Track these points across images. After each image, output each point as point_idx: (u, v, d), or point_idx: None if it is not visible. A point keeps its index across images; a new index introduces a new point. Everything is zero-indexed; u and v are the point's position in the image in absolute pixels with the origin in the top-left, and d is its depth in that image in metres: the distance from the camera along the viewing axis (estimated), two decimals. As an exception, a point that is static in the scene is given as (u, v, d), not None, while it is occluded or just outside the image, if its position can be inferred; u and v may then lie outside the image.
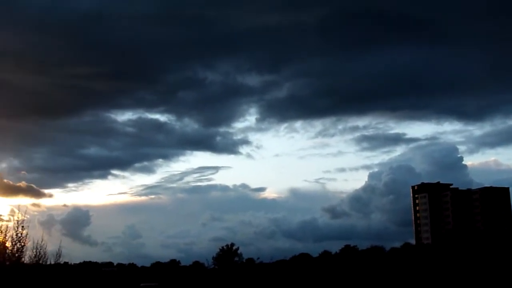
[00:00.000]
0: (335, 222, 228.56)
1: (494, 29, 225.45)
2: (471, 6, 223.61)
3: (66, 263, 59.81)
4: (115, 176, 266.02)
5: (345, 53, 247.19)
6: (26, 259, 35.79)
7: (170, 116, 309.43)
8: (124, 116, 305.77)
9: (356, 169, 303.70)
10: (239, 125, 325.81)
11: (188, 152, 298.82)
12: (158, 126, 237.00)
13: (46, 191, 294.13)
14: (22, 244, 34.77)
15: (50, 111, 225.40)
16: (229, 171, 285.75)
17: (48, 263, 39.85)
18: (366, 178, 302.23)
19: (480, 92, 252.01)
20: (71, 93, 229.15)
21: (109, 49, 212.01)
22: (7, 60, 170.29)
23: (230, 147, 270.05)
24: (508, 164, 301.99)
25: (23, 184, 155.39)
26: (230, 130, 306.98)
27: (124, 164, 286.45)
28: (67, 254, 54.96)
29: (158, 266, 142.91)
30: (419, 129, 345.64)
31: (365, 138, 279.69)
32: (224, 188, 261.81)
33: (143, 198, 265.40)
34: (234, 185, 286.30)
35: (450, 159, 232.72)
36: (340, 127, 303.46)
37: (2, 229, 34.80)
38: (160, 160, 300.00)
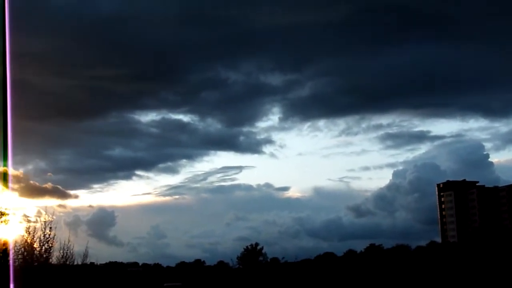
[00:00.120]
0: (359, 220, 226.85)
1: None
2: (495, 1, 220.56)
3: (92, 263, 60.21)
4: (140, 176, 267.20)
5: (368, 50, 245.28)
6: (53, 259, 36.21)
7: (193, 116, 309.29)
8: (148, 117, 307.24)
9: (380, 167, 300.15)
10: (262, 124, 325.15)
11: (212, 152, 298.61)
12: (181, 126, 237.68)
13: (71, 192, 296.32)
14: (50, 245, 35.20)
15: (75, 113, 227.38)
16: (253, 170, 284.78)
17: (75, 263, 40.25)
18: (390, 177, 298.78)
19: (506, 88, 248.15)
20: (95, 94, 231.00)
21: (132, 51, 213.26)
22: (31, 62, 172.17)
23: (253, 146, 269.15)
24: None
25: (49, 185, 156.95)
26: (253, 130, 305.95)
27: (148, 164, 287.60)
28: (93, 255, 55.27)
29: (183, 266, 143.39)
30: (444, 127, 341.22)
31: (389, 136, 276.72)
32: (248, 188, 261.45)
33: (167, 198, 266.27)
34: (258, 185, 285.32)
35: (476, 156, 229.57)
36: (363, 125, 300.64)
37: (30, 230, 35.33)
38: (184, 160, 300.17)
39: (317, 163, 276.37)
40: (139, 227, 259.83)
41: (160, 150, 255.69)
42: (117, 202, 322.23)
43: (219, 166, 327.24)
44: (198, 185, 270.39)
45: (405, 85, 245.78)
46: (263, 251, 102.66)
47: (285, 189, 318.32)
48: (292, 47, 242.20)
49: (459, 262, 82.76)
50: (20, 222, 40.49)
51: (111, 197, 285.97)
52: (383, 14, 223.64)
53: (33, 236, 35.52)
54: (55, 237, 35.79)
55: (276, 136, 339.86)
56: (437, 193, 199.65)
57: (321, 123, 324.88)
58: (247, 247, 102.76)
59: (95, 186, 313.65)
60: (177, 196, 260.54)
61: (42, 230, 35.75)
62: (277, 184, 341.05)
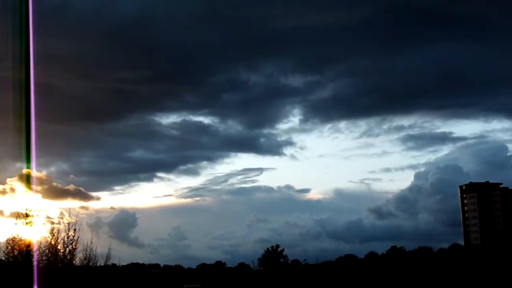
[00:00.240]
0: (381, 222, 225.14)
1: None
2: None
3: (114, 264, 60.61)
4: (161, 178, 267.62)
5: (389, 51, 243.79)
6: (77, 261, 36.51)
7: (214, 118, 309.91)
8: (169, 119, 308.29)
9: (402, 169, 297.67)
10: (282, 126, 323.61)
11: (233, 154, 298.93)
12: (202, 128, 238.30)
13: (93, 194, 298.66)
14: (74, 246, 35.50)
15: (96, 115, 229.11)
16: (274, 172, 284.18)
17: (98, 265, 40.53)
18: (412, 178, 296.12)
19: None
20: (117, 97, 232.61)
21: (153, 53, 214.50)
22: (54, 65, 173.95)
23: (274, 148, 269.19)
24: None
25: (71, 187, 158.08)
26: (274, 132, 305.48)
27: (169, 166, 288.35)
28: (115, 256, 55.65)
29: (203, 267, 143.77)
30: (467, 128, 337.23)
31: (410, 138, 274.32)
32: (269, 190, 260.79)
33: (188, 200, 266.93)
34: (279, 187, 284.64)
35: (499, 157, 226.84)
36: (385, 126, 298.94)
37: (53, 232, 35.66)
38: (205, 162, 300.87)
39: (338, 164, 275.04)
40: (160, 229, 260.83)
41: (181, 152, 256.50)
42: (139, 203, 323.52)
43: (239, 168, 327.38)
44: (219, 187, 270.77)
45: (426, 85, 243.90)
46: (284, 253, 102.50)
47: (306, 191, 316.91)
48: (312, 49, 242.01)
49: (483, 265, 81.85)
50: (43, 224, 40.91)
51: (132, 199, 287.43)
52: (404, 14, 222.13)
53: (57, 237, 35.85)
54: (79, 238, 36.12)
55: (296, 137, 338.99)
56: (459, 195, 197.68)
57: (342, 124, 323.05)
58: (268, 249, 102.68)
59: (117, 188, 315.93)
60: (198, 198, 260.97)
61: (65, 231, 36.11)
62: (298, 186, 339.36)
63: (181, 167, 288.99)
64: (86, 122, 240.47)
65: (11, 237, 36.28)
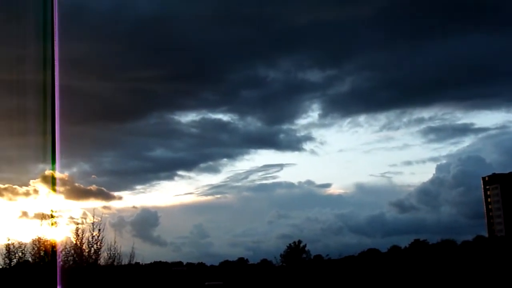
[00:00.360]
0: (403, 216, 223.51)
1: None
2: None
3: (137, 263, 61.07)
4: (181, 177, 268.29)
5: (407, 43, 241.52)
6: (102, 260, 36.78)
7: (233, 115, 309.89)
8: (188, 117, 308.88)
9: (423, 161, 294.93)
10: (302, 121, 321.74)
11: (252, 150, 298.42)
12: (221, 126, 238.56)
13: (115, 193, 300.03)
14: (98, 246, 35.76)
15: (116, 115, 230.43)
16: (294, 168, 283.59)
17: (122, 263, 40.79)
18: (433, 171, 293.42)
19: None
20: (136, 96, 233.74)
21: (171, 52, 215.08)
22: (74, 66, 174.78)
23: (294, 144, 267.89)
24: None
25: (93, 187, 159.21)
26: (293, 127, 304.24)
27: (189, 164, 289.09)
28: (139, 255, 55.99)
29: (226, 264, 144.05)
30: (488, 118, 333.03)
31: (431, 130, 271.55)
32: (289, 185, 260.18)
33: (209, 197, 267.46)
34: (299, 182, 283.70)
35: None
36: (405, 119, 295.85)
37: (78, 232, 35.96)
38: (225, 159, 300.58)
39: (358, 159, 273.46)
40: (182, 227, 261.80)
41: (200, 150, 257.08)
42: (160, 202, 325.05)
43: (260, 165, 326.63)
44: (239, 183, 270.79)
45: (446, 77, 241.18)
46: (306, 248, 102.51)
47: (327, 185, 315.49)
48: (330, 43, 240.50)
49: (507, 257, 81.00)
50: (67, 224, 41.28)
51: (154, 198, 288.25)
52: (422, 6, 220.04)
53: (82, 238, 36.12)
54: (103, 238, 36.35)
55: (316, 133, 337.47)
56: (482, 186, 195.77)
57: (362, 118, 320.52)
58: (290, 244, 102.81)
59: (138, 187, 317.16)
60: (218, 195, 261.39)
61: (90, 231, 36.39)
62: (319, 181, 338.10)
63: (201, 165, 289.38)
64: (106, 123, 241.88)
65: (37, 238, 36.73)
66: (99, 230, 36.00)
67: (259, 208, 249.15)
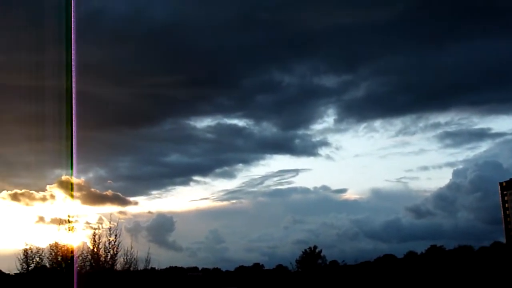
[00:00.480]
0: (419, 221, 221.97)
1: None
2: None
3: (153, 268, 61.20)
4: (197, 182, 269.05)
5: (423, 48, 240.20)
6: (118, 266, 36.89)
7: (248, 120, 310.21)
8: (203, 123, 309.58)
9: (440, 166, 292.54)
10: (317, 126, 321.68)
11: (268, 156, 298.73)
12: (237, 131, 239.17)
13: (131, 199, 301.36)
14: (115, 251, 35.86)
15: (132, 121, 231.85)
16: (309, 173, 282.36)
17: (138, 269, 40.93)
18: (450, 176, 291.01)
19: None
20: (151, 102, 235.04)
21: (186, 57, 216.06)
22: (90, 72, 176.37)
23: (309, 149, 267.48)
24: None
25: (109, 192, 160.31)
26: (309, 132, 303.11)
27: (205, 170, 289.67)
28: (155, 260, 56.09)
29: (242, 270, 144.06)
30: (505, 123, 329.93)
31: (448, 135, 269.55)
32: (305, 191, 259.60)
33: (225, 203, 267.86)
34: (315, 187, 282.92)
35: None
36: (421, 124, 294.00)
37: (95, 237, 36.11)
38: (240, 164, 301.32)
39: (374, 164, 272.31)
40: (197, 232, 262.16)
41: (216, 155, 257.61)
42: (176, 207, 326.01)
43: (275, 170, 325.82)
44: (255, 189, 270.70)
45: (463, 81, 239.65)
46: (322, 254, 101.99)
47: (342, 191, 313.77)
48: (345, 48, 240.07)
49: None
50: (83, 229, 41.52)
51: (169, 203, 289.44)
52: (438, 10, 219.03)
53: (98, 243, 36.28)
54: (120, 243, 36.47)
55: (331, 138, 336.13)
56: (500, 191, 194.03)
57: (377, 123, 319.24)
58: (305, 250, 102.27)
59: (154, 192, 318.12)
60: (234, 201, 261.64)
61: (107, 237, 36.53)
62: (334, 186, 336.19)
63: (217, 170, 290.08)
64: (122, 128, 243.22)
65: (54, 243, 36.95)
66: (116, 235, 36.19)
67: (275, 213, 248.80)
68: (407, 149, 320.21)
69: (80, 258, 35.94)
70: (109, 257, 36.05)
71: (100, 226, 39.10)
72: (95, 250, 36.27)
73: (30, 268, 45.68)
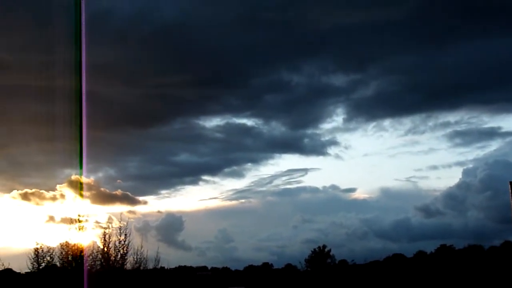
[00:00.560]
0: (429, 221, 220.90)
1: None
2: None
3: (162, 267, 61.38)
4: (206, 181, 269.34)
5: (433, 47, 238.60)
6: (128, 265, 37.07)
7: (257, 120, 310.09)
8: (212, 122, 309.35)
9: (449, 166, 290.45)
10: (326, 126, 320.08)
11: (277, 155, 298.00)
12: (245, 130, 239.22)
13: (140, 198, 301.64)
14: (125, 251, 36.03)
15: (141, 120, 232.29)
16: (318, 172, 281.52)
17: (148, 268, 41.07)
18: (460, 175, 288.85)
19: None
20: (160, 102, 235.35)
21: (195, 57, 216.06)
22: (98, 72, 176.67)
23: (318, 148, 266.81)
24: None
25: (119, 192, 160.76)
26: (318, 132, 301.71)
27: (214, 169, 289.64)
28: (164, 259, 56.28)
29: (251, 269, 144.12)
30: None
31: (457, 134, 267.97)
32: (314, 190, 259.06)
33: (234, 202, 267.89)
34: (324, 187, 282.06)
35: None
36: (430, 123, 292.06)
37: (105, 237, 36.30)
38: (249, 164, 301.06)
39: (384, 163, 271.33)
40: (206, 232, 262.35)
41: (225, 155, 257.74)
42: (185, 207, 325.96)
43: (284, 169, 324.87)
44: (264, 188, 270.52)
45: (472, 80, 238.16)
46: (331, 253, 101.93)
47: (352, 190, 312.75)
48: (354, 47, 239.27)
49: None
50: (93, 229, 41.71)
51: (178, 202, 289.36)
52: (448, 9, 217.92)
53: (109, 242, 36.44)
54: (130, 243, 36.61)
55: (340, 137, 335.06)
56: (510, 191, 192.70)
57: (386, 122, 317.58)
58: (314, 249, 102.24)
59: (163, 192, 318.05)
60: (243, 200, 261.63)
61: (117, 236, 36.70)
62: (343, 186, 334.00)
63: (226, 170, 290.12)
64: (131, 128, 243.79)
65: (64, 242, 37.20)
66: (125, 235, 36.40)
67: (284, 212, 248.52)
68: (416, 148, 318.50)
69: (90, 257, 36.23)
70: (119, 256, 36.25)
71: (110, 225, 39.48)
72: (106, 249, 36.48)
73: (41, 267, 46.03)
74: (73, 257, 36.44)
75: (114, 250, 36.18)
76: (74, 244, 37.12)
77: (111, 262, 36.38)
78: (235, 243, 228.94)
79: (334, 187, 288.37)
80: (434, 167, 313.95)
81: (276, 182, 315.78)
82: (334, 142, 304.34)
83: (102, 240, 37.35)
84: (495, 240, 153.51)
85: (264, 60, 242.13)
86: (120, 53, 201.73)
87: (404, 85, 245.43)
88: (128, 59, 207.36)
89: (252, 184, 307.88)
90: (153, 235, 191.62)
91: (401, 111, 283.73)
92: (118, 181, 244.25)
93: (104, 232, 37.50)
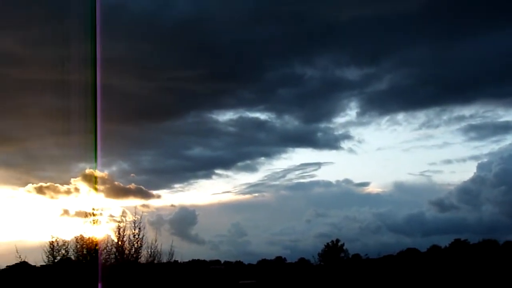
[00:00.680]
0: (443, 215, 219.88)
1: None
2: None
3: (176, 261, 61.70)
4: (219, 175, 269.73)
5: (447, 39, 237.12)
6: (142, 259, 37.28)
7: (270, 114, 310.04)
8: (226, 116, 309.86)
9: (464, 160, 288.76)
10: (340, 120, 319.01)
11: (290, 149, 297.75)
12: (259, 124, 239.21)
13: (154, 192, 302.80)
14: (139, 244, 36.22)
15: (155, 114, 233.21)
16: (332, 166, 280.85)
17: (161, 262, 41.28)
18: (474, 169, 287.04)
19: None
20: (174, 96, 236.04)
21: (208, 51, 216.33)
22: (113, 66, 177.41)
23: (331, 142, 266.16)
24: None
25: (132, 186, 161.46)
26: (331, 126, 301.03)
27: (227, 163, 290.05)
28: (177, 253, 56.46)
29: (264, 263, 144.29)
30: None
31: (472, 128, 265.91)
32: (327, 184, 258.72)
33: (247, 196, 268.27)
34: (337, 181, 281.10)
35: None
36: (444, 117, 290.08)
37: (119, 230, 36.49)
38: (262, 158, 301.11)
39: (397, 157, 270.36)
40: (220, 225, 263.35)
41: (238, 149, 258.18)
42: (198, 201, 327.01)
43: (297, 163, 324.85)
44: (277, 182, 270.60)
45: (488, 74, 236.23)
46: (344, 247, 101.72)
47: (365, 184, 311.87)
48: (368, 40, 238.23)
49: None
50: (107, 222, 41.93)
51: (192, 196, 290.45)
52: (462, 1, 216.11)
53: (123, 236, 36.64)
54: (144, 237, 36.79)
55: (354, 131, 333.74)
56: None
57: (400, 116, 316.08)
58: (328, 243, 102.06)
59: (176, 185, 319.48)
60: (256, 194, 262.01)
61: (131, 230, 36.88)
62: (357, 180, 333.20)
63: (239, 164, 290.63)
64: (144, 122, 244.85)
65: (79, 235, 37.46)
66: (139, 228, 36.57)
67: (297, 206, 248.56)
68: (430, 142, 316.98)
69: (105, 250, 36.50)
70: (133, 250, 36.47)
71: (124, 219, 39.69)
72: (120, 243, 36.69)
73: (56, 260, 46.40)
74: (87, 251, 36.74)
75: (128, 243, 36.45)
76: (89, 238, 37.44)
77: (125, 256, 36.62)
78: (248, 237, 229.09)
79: (347, 181, 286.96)
80: (449, 161, 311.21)
81: (289, 176, 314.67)
82: (347, 136, 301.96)
83: (116, 234, 37.70)
84: (510, 235, 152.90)
85: (277, 54, 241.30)
86: (134, 47, 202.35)
87: (418, 79, 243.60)
88: (142, 53, 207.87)
89: (265, 178, 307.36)
90: (166, 229, 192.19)
91: (415, 104, 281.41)
92: (132, 175, 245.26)
93: (118, 226, 37.83)
